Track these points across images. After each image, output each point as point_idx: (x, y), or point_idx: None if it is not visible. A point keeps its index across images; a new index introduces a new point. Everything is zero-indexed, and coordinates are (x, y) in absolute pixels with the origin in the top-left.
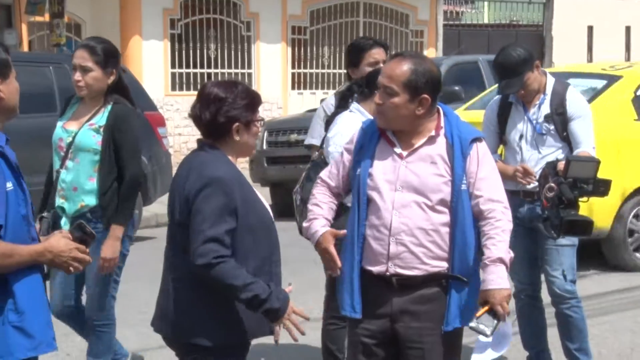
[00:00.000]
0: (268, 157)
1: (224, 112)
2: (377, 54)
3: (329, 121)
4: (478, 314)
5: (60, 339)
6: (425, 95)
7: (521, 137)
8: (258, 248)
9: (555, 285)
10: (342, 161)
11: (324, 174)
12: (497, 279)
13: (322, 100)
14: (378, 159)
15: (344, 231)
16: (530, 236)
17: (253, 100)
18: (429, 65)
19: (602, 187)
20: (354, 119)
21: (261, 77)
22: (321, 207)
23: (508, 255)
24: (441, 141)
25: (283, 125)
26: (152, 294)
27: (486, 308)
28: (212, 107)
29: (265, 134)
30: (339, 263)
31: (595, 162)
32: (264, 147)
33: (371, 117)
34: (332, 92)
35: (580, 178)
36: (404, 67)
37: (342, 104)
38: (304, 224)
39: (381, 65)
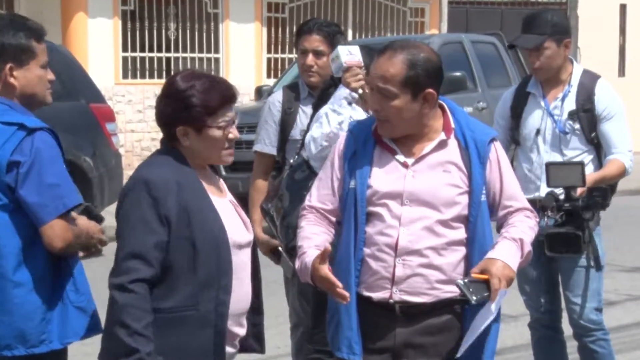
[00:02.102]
0: None
1: (167, 110)
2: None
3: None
4: (474, 275)
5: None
6: (430, 90)
7: (538, 132)
8: (199, 269)
9: (577, 314)
10: (333, 177)
11: (310, 199)
12: (508, 255)
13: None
14: (377, 168)
15: (327, 247)
16: (548, 255)
17: (208, 101)
18: (426, 52)
19: (598, 197)
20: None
21: (231, 63)
22: (311, 238)
23: (528, 247)
24: (453, 144)
25: (248, 118)
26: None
27: (484, 277)
28: (163, 101)
29: None
30: (339, 284)
31: (579, 166)
32: None
33: (361, 111)
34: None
35: (567, 186)
36: (398, 62)
37: (320, 104)
38: (296, 266)
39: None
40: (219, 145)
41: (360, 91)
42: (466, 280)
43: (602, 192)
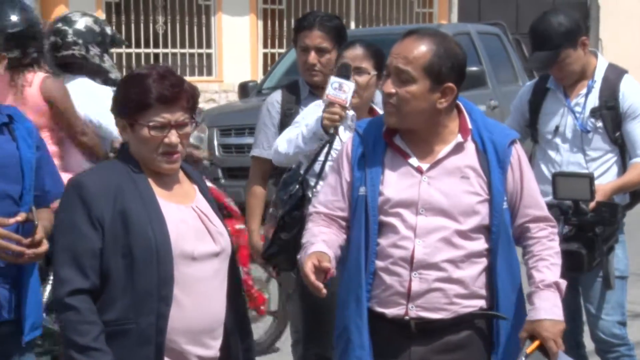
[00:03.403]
0: (225, 169)
1: (113, 99)
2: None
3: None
4: (528, 349)
5: None
6: (450, 84)
7: (557, 130)
8: (137, 278)
9: (598, 329)
10: (343, 181)
11: (317, 206)
12: (553, 308)
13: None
14: (389, 174)
15: (332, 272)
16: None
17: (140, 95)
18: (453, 45)
19: (606, 213)
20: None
21: (224, 58)
22: (318, 235)
23: (564, 283)
24: (470, 148)
25: (245, 119)
26: None
27: (537, 343)
28: None
29: (217, 133)
30: (312, 277)
31: (588, 178)
32: (217, 153)
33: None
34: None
35: (575, 199)
36: (423, 47)
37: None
38: (298, 257)
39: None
40: (150, 148)
41: (331, 131)
42: (523, 359)
43: (610, 208)
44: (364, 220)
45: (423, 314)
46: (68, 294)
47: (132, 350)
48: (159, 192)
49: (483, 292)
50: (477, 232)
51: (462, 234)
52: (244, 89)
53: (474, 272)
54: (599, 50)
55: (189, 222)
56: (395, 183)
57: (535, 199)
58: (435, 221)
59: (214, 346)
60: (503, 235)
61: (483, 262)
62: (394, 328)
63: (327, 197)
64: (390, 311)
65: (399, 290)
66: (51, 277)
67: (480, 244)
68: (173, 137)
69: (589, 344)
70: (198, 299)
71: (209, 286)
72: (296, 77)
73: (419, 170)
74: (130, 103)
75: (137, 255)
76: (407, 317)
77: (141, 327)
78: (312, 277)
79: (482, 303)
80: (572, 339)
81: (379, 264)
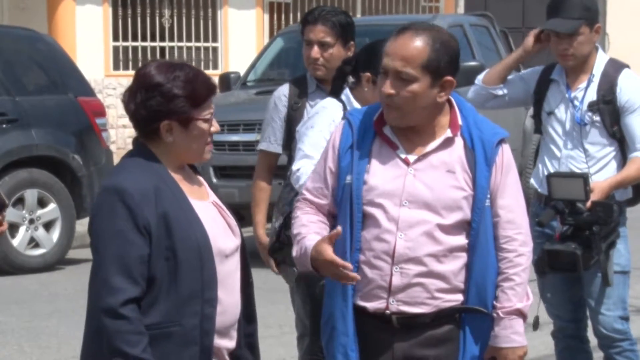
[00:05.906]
0: (217, 167)
1: (149, 104)
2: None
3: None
4: None
5: None
6: (449, 78)
7: (558, 122)
8: (181, 281)
9: (600, 324)
10: (327, 169)
11: (305, 192)
12: (512, 336)
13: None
14: (375, 163)
15: (338, 229)
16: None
17: (195, 92)
18: (448, 38)
19: (600, 213)
20: (337, 109)
21: (230, 52)
22: (309, 225)
23: (527, 301)
24: (459, 143)
25: (240, 114)
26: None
27: None
28: (139, 95)
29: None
30: (350, 266)
31: (582, 179)
32: None
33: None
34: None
35: (570, 200)
36: (420, 44)
37: (335, 89)
38: (293, 253)
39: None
40: (203, 140)
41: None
42: None
43: (605, 208)
44: (349, 210)
45: (404, 308)
46: (122, 303)
47: (176, 352)
48: (185, 189)
49: (462, 286)
50: (459, 227)
51: (444, 229)
52: (225, 81)
53: (455, 266)
54: (605, 44)
55: (217, 219)
56: (380, 173)
57: (510, 201)
58: (418, 214)
59: (235, 336)
60: (482, 232)
61: (464, 256)
62: (377, 323)
63: (313, 183)
64: (372, 305)
65: (380, 284)
66: None
67: (461, 239)
68: (217, 124)
69: (593, 339)
70: (229, 295)
71: (234, 280)
72: (280, 68)
73: (405, 162)
74: (187, 101)
75: (181, 258)
76: (388, 312)
77: (185, 329)
78: (349, 270)
79: (462, 297)
80: (576, 334)
81: (362, 257)
